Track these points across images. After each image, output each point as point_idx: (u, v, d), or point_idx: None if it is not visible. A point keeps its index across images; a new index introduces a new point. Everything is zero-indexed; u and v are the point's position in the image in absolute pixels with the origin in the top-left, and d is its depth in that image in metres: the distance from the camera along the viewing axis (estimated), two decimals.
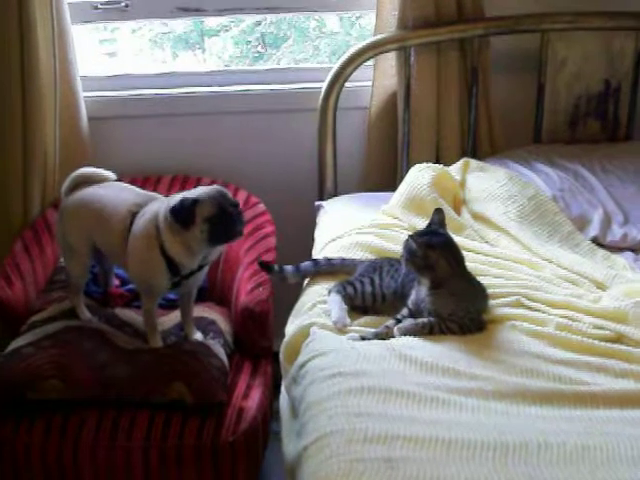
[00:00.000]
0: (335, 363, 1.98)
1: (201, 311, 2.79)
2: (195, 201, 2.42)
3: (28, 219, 3.12)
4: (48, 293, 2.89)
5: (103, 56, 3.66)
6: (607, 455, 1.67)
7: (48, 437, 2.42)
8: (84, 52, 3.23)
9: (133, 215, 2.56)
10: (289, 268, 2.52)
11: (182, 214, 2.42)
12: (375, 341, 2.11)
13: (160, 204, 2.54)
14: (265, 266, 2.60)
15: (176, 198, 2.49)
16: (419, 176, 2.76)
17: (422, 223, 2.40)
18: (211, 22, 3.63)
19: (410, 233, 2.32)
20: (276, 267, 2.56)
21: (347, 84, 3.13)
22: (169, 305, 2.82)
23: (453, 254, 2.19)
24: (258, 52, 3.68)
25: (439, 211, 2.29)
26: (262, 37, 3.67)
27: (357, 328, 2.22)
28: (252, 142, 3.37)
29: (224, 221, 2.43)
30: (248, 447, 2.46)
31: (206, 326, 2.73)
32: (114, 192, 2.67)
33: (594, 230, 2.70)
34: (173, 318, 2.76)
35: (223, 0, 3.30)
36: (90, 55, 3.42)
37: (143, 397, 2.46)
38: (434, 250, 2.15)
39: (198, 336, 2.66)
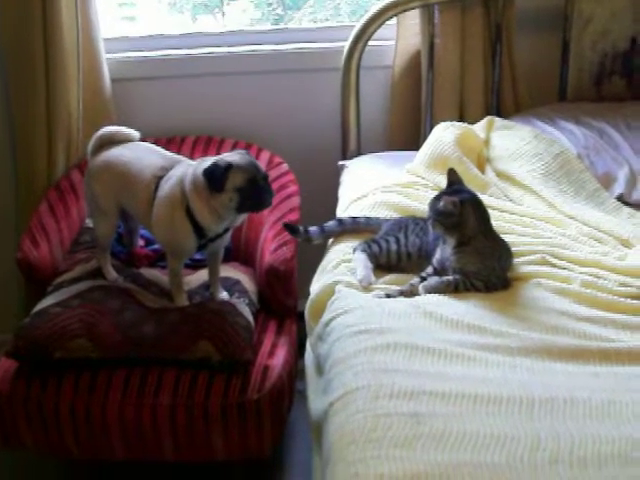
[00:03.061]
0: (361, 320, 1.99)
1: (226, 271, 2.80)
2: (229, 166, 2.42)
3: (52, 180, 3.14)
4: (73, 254, 2.91)
5: (122, 20, 3.64)
6: (632, 411, 1.67)
7: (76, 395, 2.45)
8: (103, 16, 3.21)
9: (158, 179, 2.56)
10: (314, 229, 2.52)
11: (214, 178, 2.41)
12: (400, 298, 2.12)
13: (186, 167, 2.54)
14: (290, 228, 2.59)
15: (207, 161, 2.49)
16: (443, 135, 2.75)
17: (446, 181, 2.39)
18: None
19: (435, 192, 2.31)
20: (301, 229, 2.56)
21: (370, 43, 3.12)
22: (195, 265, 2.84)
23: (481, 211, 2.19)
24: (278, 14, 3.65)
25: (453, 171, 2.28)
26: None
27: (382, 286, 2.23)
28: (275, 102, 3.37)
29: (254, 193, 2.44)
30: (273, 405, 2.48)
31: (231, 286, 2.74)
32: (139, 155, 2.67)
33: (619, 188, 2.68)
34: (199, 277, 2.78)
35: None
36: (109, 19, 3.40)
37: (170, 355, 2.48)
38: (464, 206, 2.14)
39: (224, 295, 2.68)
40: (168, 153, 2.70)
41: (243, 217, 2.60)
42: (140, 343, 2.48)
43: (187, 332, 2.47)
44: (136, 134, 2.78)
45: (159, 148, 2.73)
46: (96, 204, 2.73)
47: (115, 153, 2.69)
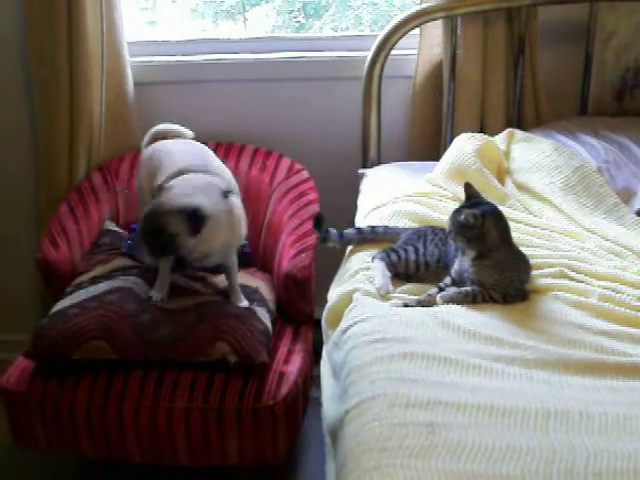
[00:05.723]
0: (378, 329, 1.99)
1: (244, 278, 2.81)
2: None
3: (73, 182, 3.15)
4: (92, 255, 2.92)
5: (144, 24, 3.66)
6: None
7: (92, 396, 2.46)
8: (126, 20, 3.22)
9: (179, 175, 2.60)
10: (333, 232, 2.51)
11: None
12: (418, 308, 2.12)
13: (189, 180, 2.57)
14: (318, 221, 2.52)
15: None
16: (464, 145, 2.75)
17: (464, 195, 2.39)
18: None
19: (454, 202, 2.31)
20: (324, 227, 2.51)
21: (393, 52, 3.12)
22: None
23: (502, 224, 2.19)
24: (299, 22, 3.66)
25: (469, 185, 2.28)
26: (303, 7, 3.65)
27: (400, 295, 2.23)
28: (297, 110, 3.38)
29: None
30: (288, 411, 2.48)
31: (250, 294, 2.74)
32: (181, 149, 2.72)
33: (639, 203, 2.67)
34: (217, 283, 2.79)
35: None
36: (131, 23, 3.42)
37: (187, 358, 2.48)
38: (485, 219, 2.14)
39: (244, 304, 2.68)
40: (205, 157, 2.73)
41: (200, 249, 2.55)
42: (157, 345, 2.49)
43: (204, 334, 2.48)
44: (189, 133, 2.81)
45: (205, 149, 2.77)
46: (141, 192, 2.78)
47: (163, 142, 2.79)
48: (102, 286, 2.69)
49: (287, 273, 2.72)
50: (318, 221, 2.52)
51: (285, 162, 3.14)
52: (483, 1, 3.06)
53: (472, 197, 2.25)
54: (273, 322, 2.71)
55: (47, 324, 2.55)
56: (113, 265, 2.80)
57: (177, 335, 2.49)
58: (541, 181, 2.68)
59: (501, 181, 2.73)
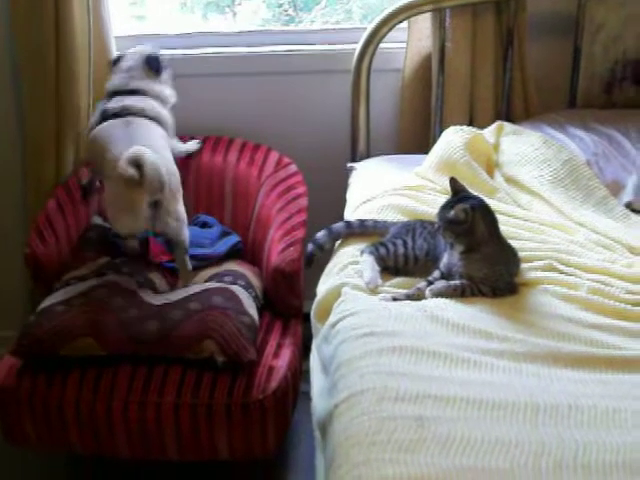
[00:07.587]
0: (367, 323, 1.98)
1: (233, 266, 2.83)
2: None
3: (61, 178, 3.14)
4: (81, 252, 2.91)
5: (132, 19, 3.64)
6: (638, 419, 1.66)
7: (81, 392, 2.45)
8: (114, 14, 3.21)
9: None
10: (321, 234, 2.52)
11: None
12: (407, 302, 2.12)
13: None
14: (308, 262, 2.59)
15: None
16: (453, 139, 2.75)
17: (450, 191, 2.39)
18: None
19: (443, 195, 2.30)
20: (310, 248, 2.54)
21: (381, 45, 3.11)
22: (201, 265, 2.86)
23: (490, 217, 2.18)
24: (289, 15, 3.65)
25: (455, 180, 2.27)
26: (294, 0, 3.64)
27: (389, 289, 2.22)
28: (285, 103, 3.37)
29: None
30: (278, 405, 2.48)
31: (236, 279, 2.75)
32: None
33: (628, 196, 2.67)
34: (203, 276, 2.80)
35: None
36: (119, 17, 3.40)
37: (175, 354, 2.47)
38: (474, 212, 2.13)
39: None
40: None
41: None
42: (145, 341, 2.47)
43: (192, 331, 2.47)
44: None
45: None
46: None
47: None
48: (89, 283, 2.67)
49: (276, 267, 2.71)
50: (308, 263, 2.59)
51: (273, 156, 3.13)
52: None
53: (458, 192, 2.24)
54: (259, 309, 2.71)
55: (33, 322, 2.53)
56: (101, 261, 2.80)
57: (164, 331, 2.48)
58: (530, 174, 2.68)
59: (490, 174, 2.72)
